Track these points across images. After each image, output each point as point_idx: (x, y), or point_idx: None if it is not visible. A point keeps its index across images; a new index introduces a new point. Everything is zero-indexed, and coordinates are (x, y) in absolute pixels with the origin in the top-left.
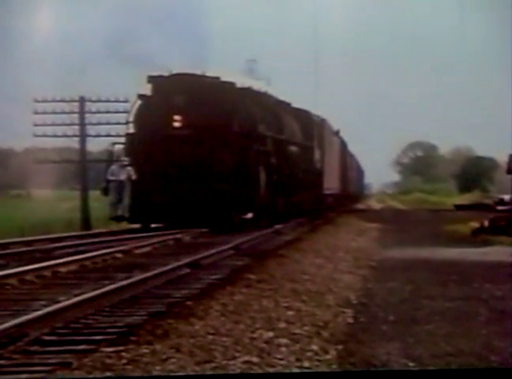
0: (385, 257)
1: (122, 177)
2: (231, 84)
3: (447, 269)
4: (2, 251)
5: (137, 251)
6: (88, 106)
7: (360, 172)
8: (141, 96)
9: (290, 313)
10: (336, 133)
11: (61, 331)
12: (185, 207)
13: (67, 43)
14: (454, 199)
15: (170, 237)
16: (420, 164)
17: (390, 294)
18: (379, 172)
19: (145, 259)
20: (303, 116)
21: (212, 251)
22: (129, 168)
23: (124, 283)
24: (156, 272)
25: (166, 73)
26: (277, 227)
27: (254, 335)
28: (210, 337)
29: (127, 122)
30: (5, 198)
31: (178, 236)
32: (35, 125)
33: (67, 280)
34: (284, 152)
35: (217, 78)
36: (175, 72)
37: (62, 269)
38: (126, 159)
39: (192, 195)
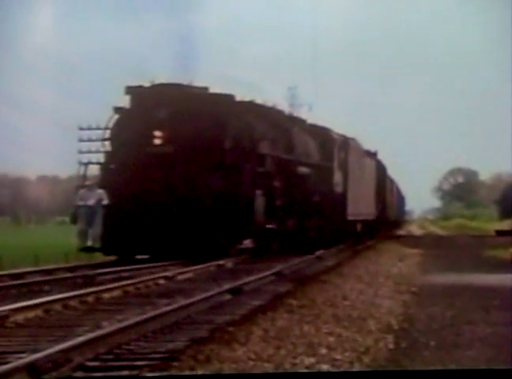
0: (426, 282)
1: (92, 201)
2: (225, 96)
3: (488, 295)
4: (47, 277)
5: (180, 277)
6: None
7: (401, 198)
8: (117, 109)
9: (331, 338)
10: (371, 155)
11: (104, 356)
12: (167, 235)
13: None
14: (495, 225)
15: (211, 263)
16: (461, 190)
17: (431, 319)
18: (421, 198)
19: (188, 285)
20: (321, 134)
21: (254, 277)
22: (100, 191)
23: (166, 308)
24: (198, 297)
25: (147, 84)
26: (318, 253)
27: (296, 361)
28: (252, 363)
29: (103, 139)
30: (51, 225)
31: (221, 262)
32: (80, 152)
33: (110, 306)
34: (293, 174)
35: (205, 88)
36: (157, 82)
37: (106, 295)
38: (95, 181)
39: (175, 222)
